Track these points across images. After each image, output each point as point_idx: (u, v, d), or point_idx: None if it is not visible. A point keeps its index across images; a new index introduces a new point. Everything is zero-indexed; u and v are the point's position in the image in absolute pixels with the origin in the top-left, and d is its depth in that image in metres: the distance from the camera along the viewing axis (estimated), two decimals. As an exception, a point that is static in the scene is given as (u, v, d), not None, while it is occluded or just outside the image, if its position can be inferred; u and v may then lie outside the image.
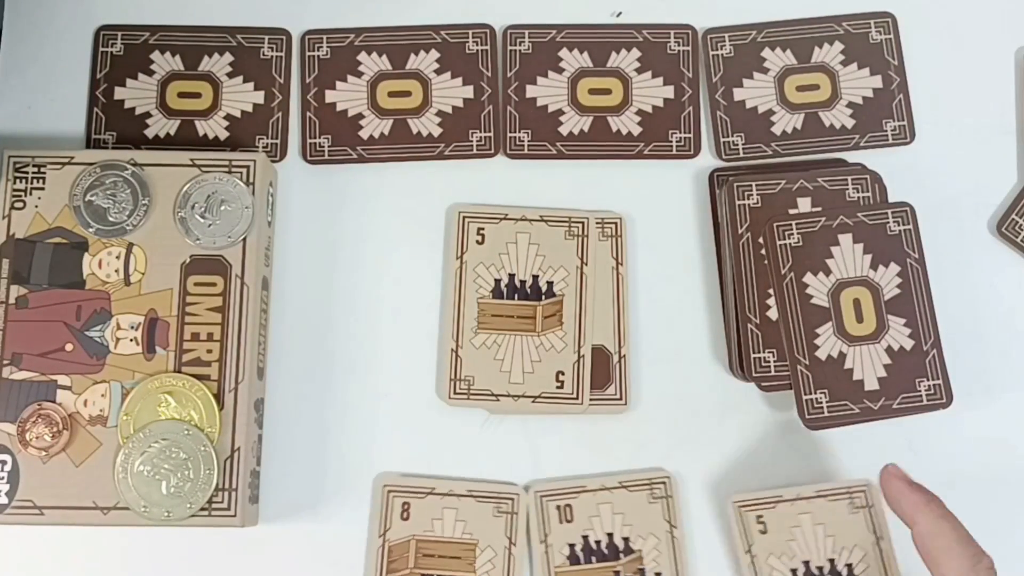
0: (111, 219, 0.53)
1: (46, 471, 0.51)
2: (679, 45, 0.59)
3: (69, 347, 0.52)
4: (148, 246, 0.53)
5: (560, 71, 0.59)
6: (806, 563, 0.53)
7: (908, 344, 0.54)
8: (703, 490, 0.55)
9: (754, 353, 0.54)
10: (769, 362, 0.54)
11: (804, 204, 0.56)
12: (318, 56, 0.59)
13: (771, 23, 0.60)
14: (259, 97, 0.58)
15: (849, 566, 0.53)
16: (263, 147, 0.58)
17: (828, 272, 0.54)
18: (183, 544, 0.54)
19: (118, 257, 0.53)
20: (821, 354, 0.54)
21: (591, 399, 0.55)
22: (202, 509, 0.50)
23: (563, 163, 0.58)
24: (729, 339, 0.56)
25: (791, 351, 0.54)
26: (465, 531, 0.53)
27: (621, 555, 0.54)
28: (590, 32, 0.59)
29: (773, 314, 0.54)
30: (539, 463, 0.55)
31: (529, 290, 0.56)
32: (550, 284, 0.56)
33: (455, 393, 0.55)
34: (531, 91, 0.59)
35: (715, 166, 0.58)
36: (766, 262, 0.55)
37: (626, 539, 0.54)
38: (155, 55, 0.58)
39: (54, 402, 0.51)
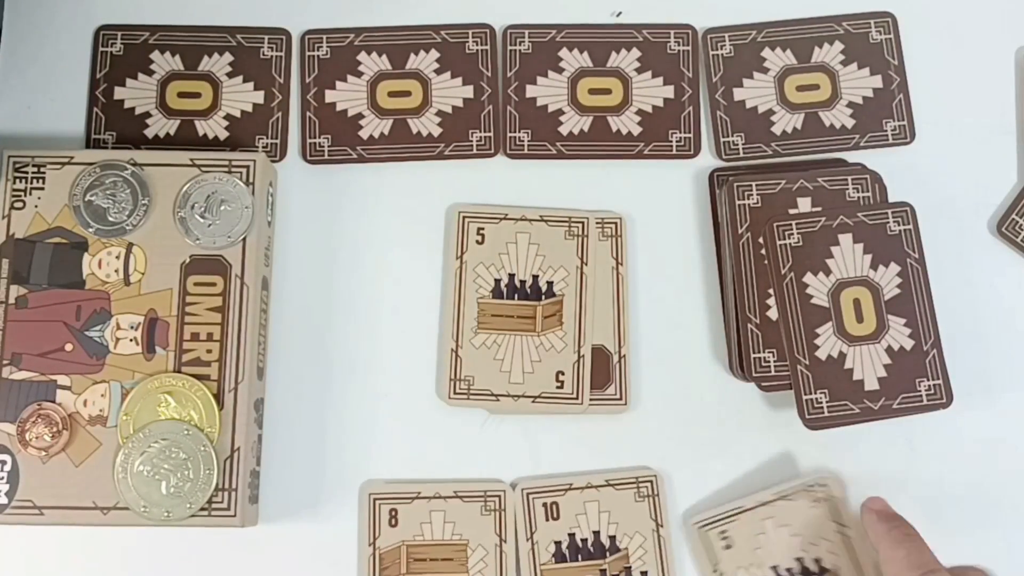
0: (111, 219, 0.53)
1: (46, 471, 0.51)
2: (679, 45, 0.59)
3: (69, 347, 0.52)
4: (148, 246, 0.53)
5: (560, 71, 0.59)
6: (775, 568, 0.53)
7: (908, 344, 0.54)
8: (703, 490, 0.55)
9: (754, 353, 0.54)
10: (769, 362, 0.54)
11: (804, 204, 0.56)
12: (318, 56, 0.59)
13: (771, 23, 0.60)
14: (259, 97, 0.58)
15: (818, 560, 0.53)
16: (263, 147, 0.58)
17: (828, 272, 0.54)
18: (183, 544, 0.54)
19: (118, 257, 0.53)
20: (821, 354, 0.54)
21: (591, 399, 0.55)
22: (202, 509, 0.50)
23: (563, 163, 0.58)
24: (729, 339, 0.56)
25: (791, 351, 0.54)
26: (455, 532, 0.53)
27: (607, 553, 0.54)
28: (590, 32, 0.59)
29: (773, 314, 0.54)
30: (539, 463, 0.55)
31: (529, 290, 0.56)
32: (550, 284, 0.56)
33: (455, 393, 0.55)
34: (531, 91, 0.58)
35: (715, 166, 0.58)
36: (766, 262, 0.55)
37: (612, 537, 0.54)
38: (155, 55, 0.58)
39: (54, 402, 0.51)
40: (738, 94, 0.59)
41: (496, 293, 0.56)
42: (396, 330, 0.56)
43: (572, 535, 0.54)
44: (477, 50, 0.59)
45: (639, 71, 0.59)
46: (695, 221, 0.58)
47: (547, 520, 0.54)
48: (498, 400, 0.55)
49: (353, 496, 0.54)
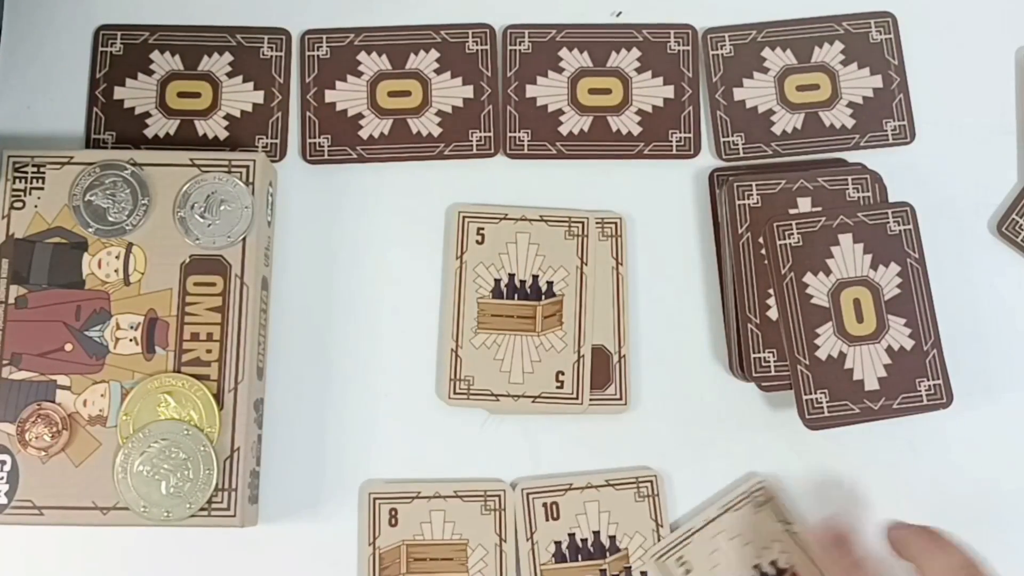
0: (111, 219, 0.53)
1: (45, 471, 0.51)
2: (679, 45, 0.59)
3: (68, 347, 0.52)
4: (148, 246, 0.53)
5: (560, 71, 0.59)
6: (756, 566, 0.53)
7: (908, 344, 0.54)
8: (703, 491, 0.55)
9: (754, 353, 0.54)
10: (769, 362, 0.54)
11: (804, 204, 0.56)
12: (318, 56, 0.59)
13: (771, 23, 0.60)
14: (259, 97, 0.58)
15: (774, 563, 0.53)
16: (263, 147, 0.58)
17: (828, 272, 0.54)
18: (183, 544, 0.54)
19: (118, 257, 0.53)
20: (821, 354, 0.54)
21: (591, 399, 0.55)
22: (202, 509, 0.50)
23: (563, 163, 0.58)
24: (729, 339, 0.56)
25: (791, 351, 0.54)
26: (454, 532, 0.53)
27: (607, 553, 0.54)
28: (590, 32, 0.59)
29: (773, 314, 0.54)
30: (539, 463, 0.55)
31: (529, 290, 0.56)
32: (550, 284, 0.56)
33: (455, 393, 0.55)
34: (531, 91, 0.58)
35: (715, 166, 0.58)
36: (766, 262, 0.55)
37: (612, 537, 0.54)
38: (155, 55, 0.58)
39: (53, 402, 0.51)
40: (738, 94, 0.59)
41: (496, 293, 0.56)
42: (396, 330, 0.56)
43: (572, 535, 0.54)
44: (477, 50, 0.59)
45: (639, 71, 0.59)
46: (695, 221, 0.58)
47: (547, 520, 0.54)
48: (498, 400, 0.55)
49: (353, 496, 0.54)
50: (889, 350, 0.54)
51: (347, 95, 0.58)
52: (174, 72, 0.58)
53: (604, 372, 0.55)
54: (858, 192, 0.56)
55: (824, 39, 0.59)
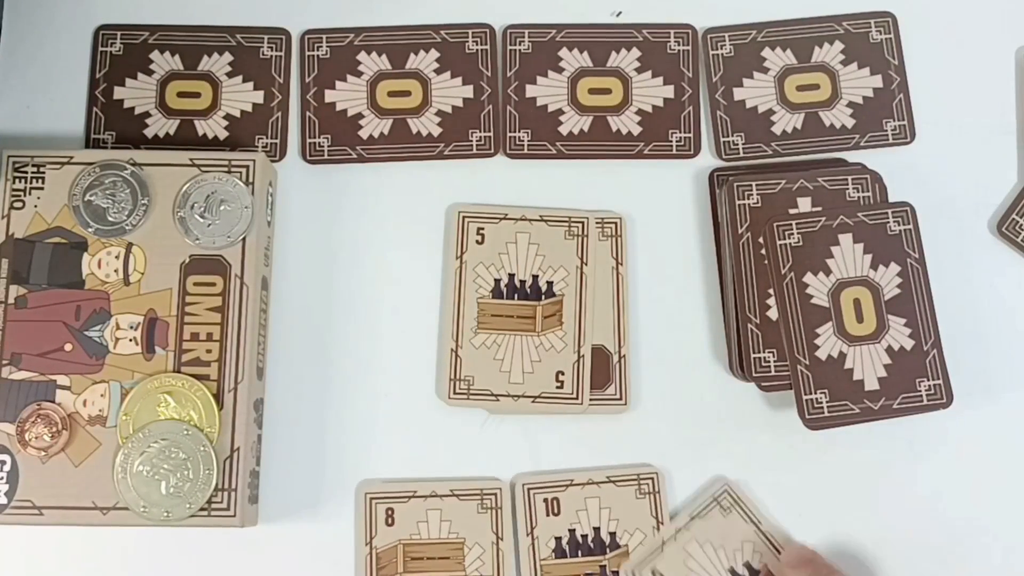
0: (110, 219, 0.53)
1: (45, 471, 0.51)
2: (679, 45, 0.59)
3: (68, 347, 0.52)
4: (147, 246, 0.53)
5: (560, 71, 0.59)
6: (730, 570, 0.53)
7: (908, 344, 0.54)
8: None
9: (754, 353, 0.54)
10: (769, 362, 0.54)
11: (804, 204, 0.55)
12: (318, 56, 0.59)
13: (771, 23, 0.59)
14: (259, 97, 0.58)
15: (747, 564, 0.53)
16: (263, 147, 0.58)
17: (828, 272, 0.54)
18: (182, 544, 0.54)
19: (117, 257, 0.52)
20: (821, 354, 0.54)
21: (591, 399, 0.55)
22: (201, 509, 0.50)
23: (563, 163, 0.58)
24: (729, 339, 0.56)
25: (791, 351, 0.54)
26: (451, 531, 0.53)
27: (607, 550, 0.54)
28: (590, 32, 0.59)
29: (773, 314, 0.54)
30: (539, 463, 0.55)
31: (529, 290, 0.56)
32: (550, 284, 0.56)
33: (455, 393, 0.55)
34: (531, 91, 0.58)
35: (715, 166, 0.58)
36: (766, 262, 0.55)
37: (613, 534, 0.54)
38: (154, 55, 0.58)
39: (53, 402, 0.51)
40: (738, 94, 0.59)
41: (496, 293, 0.56)
42: (396, 330, 0.56)
43: (572, 531, 0.54)
44: (477, 50, 0.59)
45: (639, 71, 0.59)
46: (695, 221, 0.58)
47: (548, 515, 0.54)
48: (498, 400, 0.55)
49: (353, 496, 0.54)
50: (889, 350, 0.54)
51: (347, 95, 0.58)
52: (174, 72, 0.58)
53: (604, 372, 0.55)
54: (858, 192, 0.56)
55: (824, 39, 0.59)
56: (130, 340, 0.52)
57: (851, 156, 0.58)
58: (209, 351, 0.52)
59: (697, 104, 0.59)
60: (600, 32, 0.59)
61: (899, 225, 0.55)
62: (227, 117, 0.58)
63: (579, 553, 0.54)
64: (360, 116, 0.58)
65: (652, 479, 0.54)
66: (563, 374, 0.55)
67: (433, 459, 0.55)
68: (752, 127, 0.58)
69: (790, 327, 0.54)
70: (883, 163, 0.57)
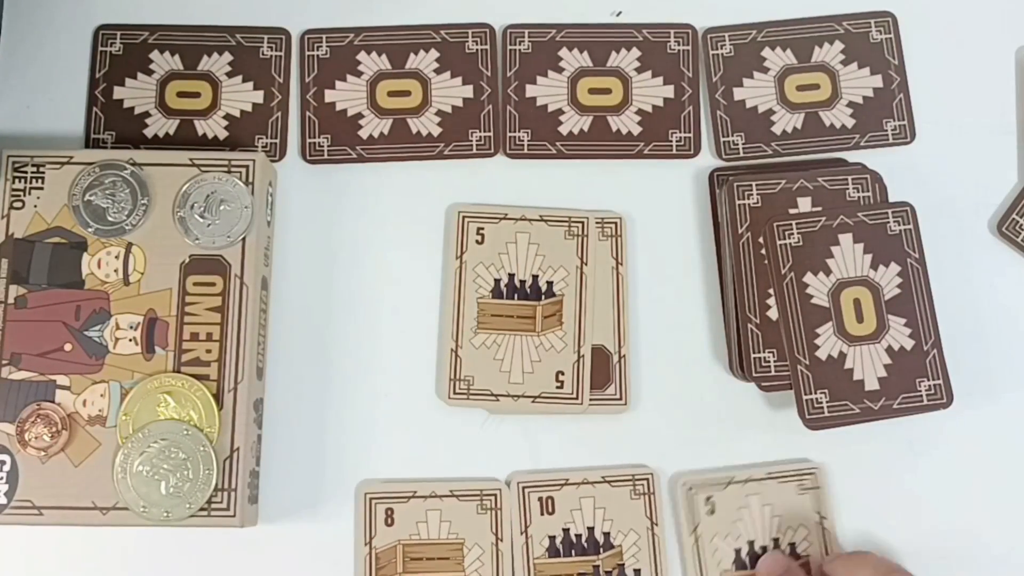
0: (110, 219, 0.53)
1: (45, 471, 0.50)
2: (679, 45, 0.59)
3: (68, 347, 0.52)
4: (147, 246, 0.53)
5: (560, 71, 0.59)
6: (751, 542, 0.53)
7: (908, 344, 0.54)
8: (703, 490, 0.55)
9: (754, 353, 0.54)
10: (769, 362, 0.54)
11: (804, 204, 0.55)
12: (317, 56, 0.59)
13: (771, 23, 0.59)
14: (258, 97, 0.58)
15: (792, 545, 0.53)
16: (262, 147, 0.58)
17: (828, 272, 0.54)
18: (182, 544, 0.54)
19: (117, 257, 0.52)
20: (821, 354, 0.53)
21: (591, 399, 0.55)
22: (201, 509, 0.50)
23: (563, 163, 0.58)
24: (729, 339, 0.56)
25: (791, 351, 0.54)
26: (451, 531, 0.53)
27: (601, 550, 0.54)
28: (590, 32, 0.59)
29: (773, 314, 0.54)
30: (539, 463, 0.55)
31: (529, 290, 0.56)
32: (550, 284, 0.56)
33: (455, 393, 0.55)
34: (531, 91, 0.58)
35: (715, 166, 0.58)
36: (766, 262, 0.55)
37: (607, 534, 0.54)
38: (154, 54, 0.58)
39: (53, 402, 0.51)
40: (738, 94, 0.59)
41: (496, 293, 0.56)
42: (396, 330, 0.56)
43: (567, 530, 0.54)
44: (477, 50, 0.59)
45: (639, 71, 0.59)
46: (695, 221, 0.58)
47: (542, 514, 0.54)
48: (498, 400, 0.55)
49: (353, 496, 0.54)
50: (889, 350, 0.54)
51: (347, 95, 0.58)
52: (174, 72, 0.58)
53: (604, 372, 0.55)
54: (858, 192, 0.56)
55: (824, 39, 0.59)
56: (130, 340, 0.52)
57: (851, 156, 0.58)
58: (209, 351, 0.52)
59: (697, 104, 0.59)
60: (600, 32, 0.59)
61: (899, 225, 0.55)
62: (227, 117, 0.58)
63: (573, 552, 0.54)
64: (360, 116, 0.58)
65: (647, 480, 0.54)
66: (563, 374, 0.55)
67: (433, 459, 0.55)
68: (752, 127, 0.58)
69: (790, 327, 0.54)
70: (883, 163, 0.57)
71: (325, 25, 0.59)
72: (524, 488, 0.54)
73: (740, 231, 0.55)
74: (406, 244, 0.57)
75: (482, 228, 0.57)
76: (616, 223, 0.57)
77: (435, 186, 0.58)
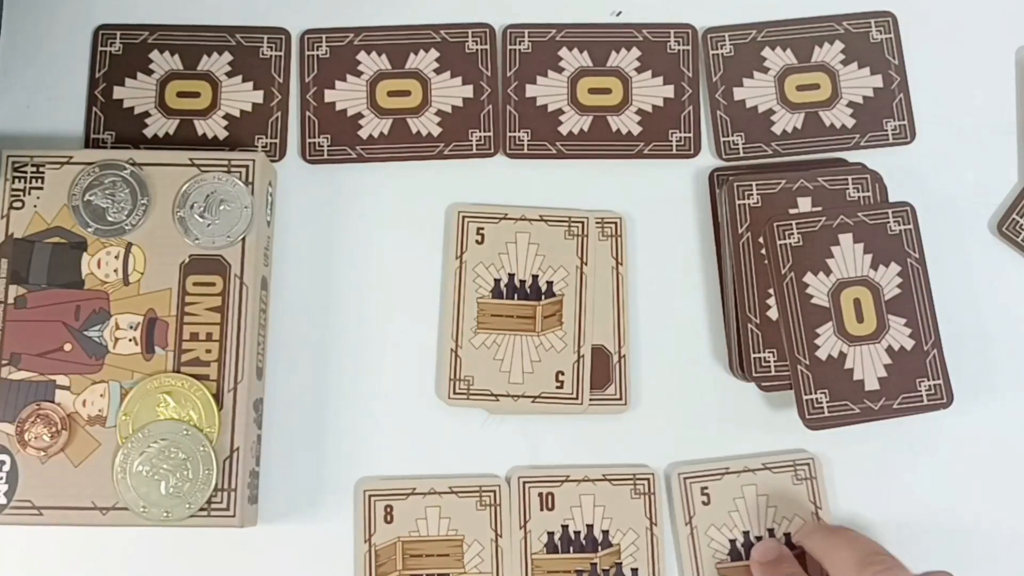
0: (110, 219, 0.53)
1: (45, 471, 0.50)
2: (679, 44, 0.59)
3: (68, 347, 0.52)
4: (147, 246, 0.53)
5: (560, 70, 0.59)
6: (745, 532, 0.53)
7: (908, 344, 0.54)
8: (703, 490, 0.55)
9: (754, 353, 0.54)
10: (769, 362, 0.54)
11: (804, 204, 0.55)
12: (317, 55, 0.59)
13: (771, 22, 0.59)
14: (258, 96, 0.58)
15: (787, 535, 0.54)
16: (262, 147, 0.58)
17: (828, 272, 0.54)
18: (182, 544, 0.54)
19: (117, 257, 0.52)
20: (821, 354, 0.53)
21: (591, 399, 0.55)
22: (201, 509, 0.50)
23: (563, 163, 0.58)
24: (729, 339, 0.56)
25: (791, 351, 0.54)
26: (450, 528, 0.53)
27: (599, 547, 0.54)
28: (590, 31, 0.59)
29: (773, 314, 0.54)
30: (539, 463, 0.55)
31: (529, 290, 0.56)
32: (550, 284, 0.56)
33: (455, 393, 0.55)
34: (531, 91, 0.58)
35: (715, 166, 0.58)
36: (766, 262, 0.55)
37: (605, 532, 0.54)
38: (154, 54, 0.58)
39: (53, 402, 0.51)
40: (738, 94, 0.59)
41: (496, 293, 0.56)
42: (396, 330, 0.56)
43: (565, 527, 0.54)
44: (477, 49, 0.59)
45: (639, 71, 0.59)
46: (695, 221, 0.58)
47: (542, 510, 0.54)
48: (498, 400, 0.55)
49: (353, 496, 0.54)
50: (889, 350, 0.54)
51: (347, 95, 0.58)
52: (173, 72, 0.58)
53: (604, 372, 0.55)
54: (858, 192, 0.56)
55: (824, 39, 0.59)
56: (130, 340, 0.52)
57: (851, 156, 0.58)
58: (209, 351, 0.52)
59: (697, 104, 0.59)
60: (600, 32, 0.59)
61: (899, 225, 0.55)
62: (227, 117, 0.58)
63: (571, 549, 0.54)
64: (360, 116, 0.58)
65: (648, 480, 0.54)
66: (563, 374, 0.55)
67: (433, 459, 0.55)
68: (752, 127, 0.58)
69: (790, 327, 0.54)
70: (883, 163, 0.57)
71: (325, 25, 0.59)
72: (524, 483, 0.54)
73: (740, 231, 0.55)
74: (406, 244, 0.57)
75: (482, 228, 0.56)
76: (616, 223, 0.57)
77: (435, 186, 0.58)
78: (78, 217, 0.53)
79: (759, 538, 0.53)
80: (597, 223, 0.57)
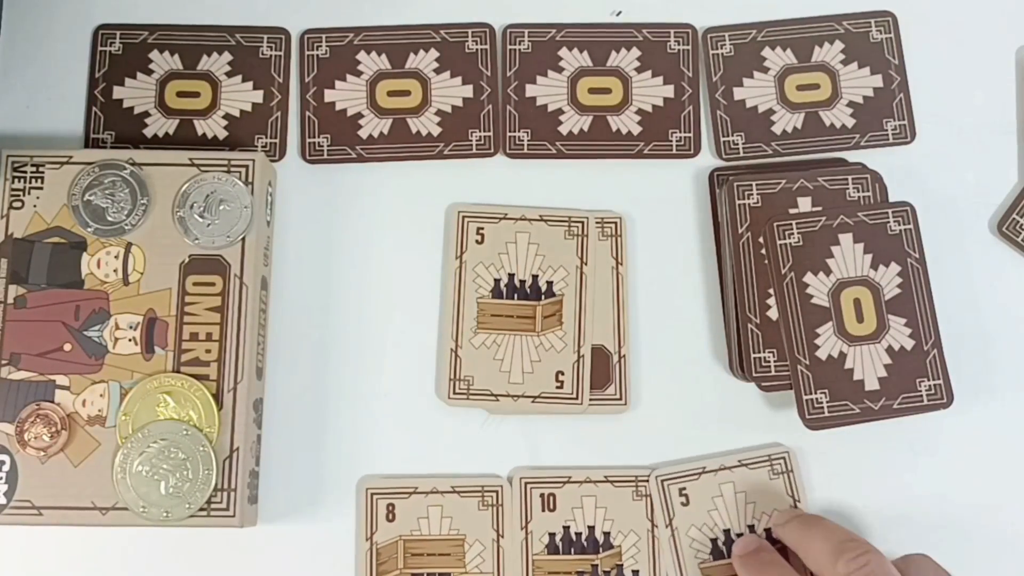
0: (110, 219, 0.53)
1: (44, 471, 0.50)
2: (679, 44, 0.59)
3: (67, 347, 0.52)
4: (147, 246, 0.53)
5: (560, 70, 0.59)
6: (726, 531, 0.53)
7: (908, 344, 0.54)
8: (703, 490, 0.55)
9: (754, 353, 0.54)
10: (769, 362, 0.54)
11: (804, 204, 0.55)
12: (317, 55, 0.59)
13: (771, 22, 0.59)
14: (258, 96, 0.58)
15: (768, 531, 0.54)
16: (262, 146, 0.58)
17: (828, 272, 0.54)
18: (182, 544, 0.54)
19: (117, 257, 0.52)
20: (821, 354, 0.53)
21: (591, 399, 0.55)
22: (201, 509, 0.50)
23: (563, 163, 0.58)
24: (729, 339, 0.56)
25: (791, 351, 0.54)
26: (452, 527, 0.53)
27: (600, 549, 0.54)
28: (590, 31, 0.59)
29: (773, 314, 0.54)
30: (539, 463, 0.55)
31: (529, 290, 0.56)
32: (550, 284, 0.56)
33: (455, 393, 0.55)
34: (531, 90, 0.58)
35: (715, 166, 0.58)
36: (766, 262, 0.55)
37: (607, 534, 0.54)
38: (154, 54, 0.58)
39: (52, 402, 0.51)
40: (738, 93, 0.59)
41: (496, 293, 0.56)
42: (396, 330, 0.56)
43: (567, 528, 0.54)
44: (477, 49, 0.59)
45: (639, 70, 0.59)
46: (695, 221, 0.58)
47: (543, 511, 0.54)
48: (498, 400, 0.55)
49: (352, 496, 0.54)
50: (889, 350, 0.54)
51: (346, 95, 0.58)
52: (173, 72, 0.58)
53: (604, 372, 0.55)
54: (858, 192, 0.56)
55: (824, 39, 0.59)
56: (129, 340, 0.52)
57: (851, 156, 0.58)
58: (208, 351, 0.52)
59: (697, 104, 0.59)
60: (600, 32, 0.59)
61: (899, 225, 0.55)
62: (226, 117, 0.58)
63: (572, 550, 0.54)
64: (360, 116, 0.58)
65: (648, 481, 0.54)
66: (563, 374, 0.55)
67: (433, 460, 0.55)
68: (752, 127, 0.58)
69: (790, 327, 0.54)
70: (883, 163, 0.57)
71: (325, 25, 0.59)
72: (526, 484, 0.54)
73: (740, 231, 0.55)
74: (406, 244, 0.57)
75: (482, 228, 0.56)
76: (616, 223, 0.57)
77: (435, 186, 0.58)
78: (78, 217, 0.53)
79: (740, 535, 0.54)
80: (597, 223, 0.57)
